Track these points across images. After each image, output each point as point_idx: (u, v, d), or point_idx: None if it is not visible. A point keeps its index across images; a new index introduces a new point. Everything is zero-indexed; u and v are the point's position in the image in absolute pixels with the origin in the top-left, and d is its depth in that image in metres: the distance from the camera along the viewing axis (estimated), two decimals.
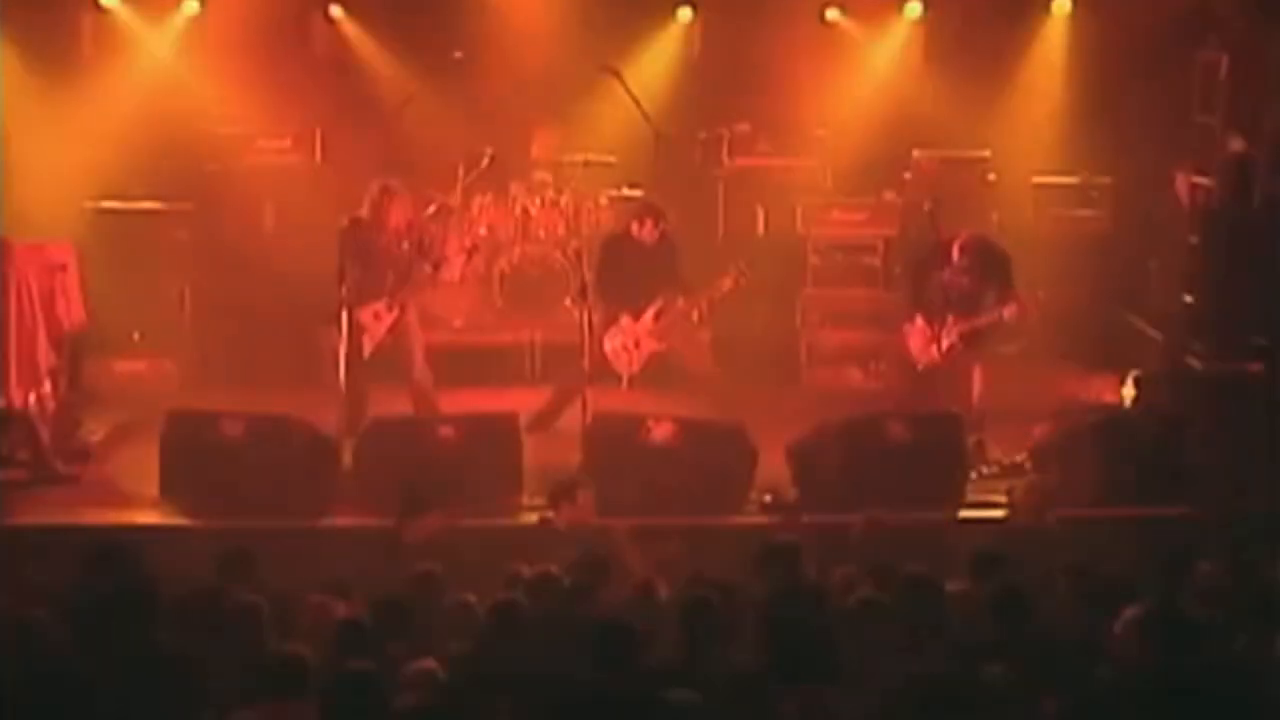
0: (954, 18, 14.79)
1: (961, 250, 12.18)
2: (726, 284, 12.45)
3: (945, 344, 12.10)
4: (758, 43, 14.84)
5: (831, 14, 14.94)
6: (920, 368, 12.22)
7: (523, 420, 11.45)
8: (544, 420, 12.36)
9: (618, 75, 13.66)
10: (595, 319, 12.11)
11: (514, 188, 14.58)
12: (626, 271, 12.43)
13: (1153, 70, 14.14)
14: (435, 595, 8.29)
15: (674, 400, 12.34)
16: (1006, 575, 8.28)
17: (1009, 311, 12.03)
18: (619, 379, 12.36)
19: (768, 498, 10.95)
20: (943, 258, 12.30)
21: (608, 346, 12.35)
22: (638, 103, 13.71)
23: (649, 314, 12.38)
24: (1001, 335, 12.53)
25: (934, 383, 12.17)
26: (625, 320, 12.39)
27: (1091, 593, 8.14)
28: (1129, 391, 12.62)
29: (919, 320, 12.20)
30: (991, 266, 12.22)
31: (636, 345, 12.39)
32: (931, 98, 14.68)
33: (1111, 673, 6.96)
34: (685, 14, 15.07)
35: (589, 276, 12.26)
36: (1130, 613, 7.35)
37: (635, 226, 12.53)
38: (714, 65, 14.99)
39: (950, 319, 12.09)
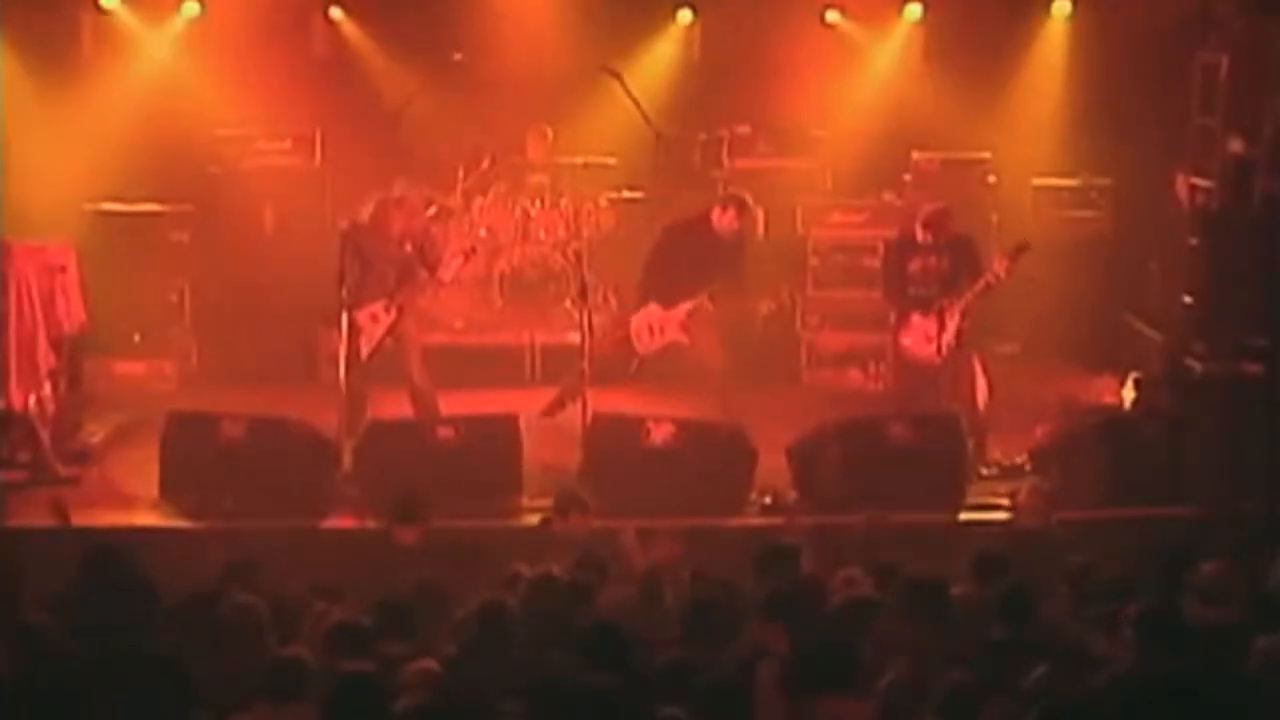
0: (954, 19, 14.77)
1: (925, 227, 12.08)
2: (765, 307, 12.48)
3: (950, 334, 11.93)
4: (758, 44, 14.84)
5: (831, 16, 14.92)
6: (921, 368, 12.15)
7: (535, 411, 11.43)
8: (554, 409, 12.37)
9: (618, 77, 13.66)
10: (622, 303, 12.14)
11: (514, 189, 14.57)
12: (687, 258, 12.35)
13: (1153, 71, 14.13)
14: (435, 597, 8.28)
15: (674, 400, 12.35)
16: (1009, 577, 8.28)
17: (999, 267, 11.90)
18: (628, 363, 12.38)
19: (768, 499, 10.96)
20: (910, 246, 12.21)
21: (634, 325, 12.36)
22: (638, 104, 13.71)
23: (684, 306, 12.34)
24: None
25: (934, 384, 12.13)
26: (654, 305, 12.37)
27: (1093, 594, 8.14)
28: (1129, 393, 12.62)
29: (914, 318, 12.07)
30: (957, 240, 12.15)
31: (661, 330, 12.38)
32: (931, 99, 14.67)
33: (1109, 672, 6.95)
34: (685, 16, 15.06)
35: (589, 279, 12.26)
36: (1124, 613, 7.36)
37: (718, 213, 12.40)
38: (714, 67, 15.00)
39: (944, 305, 11.97)
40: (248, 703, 6.93)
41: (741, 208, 12.47)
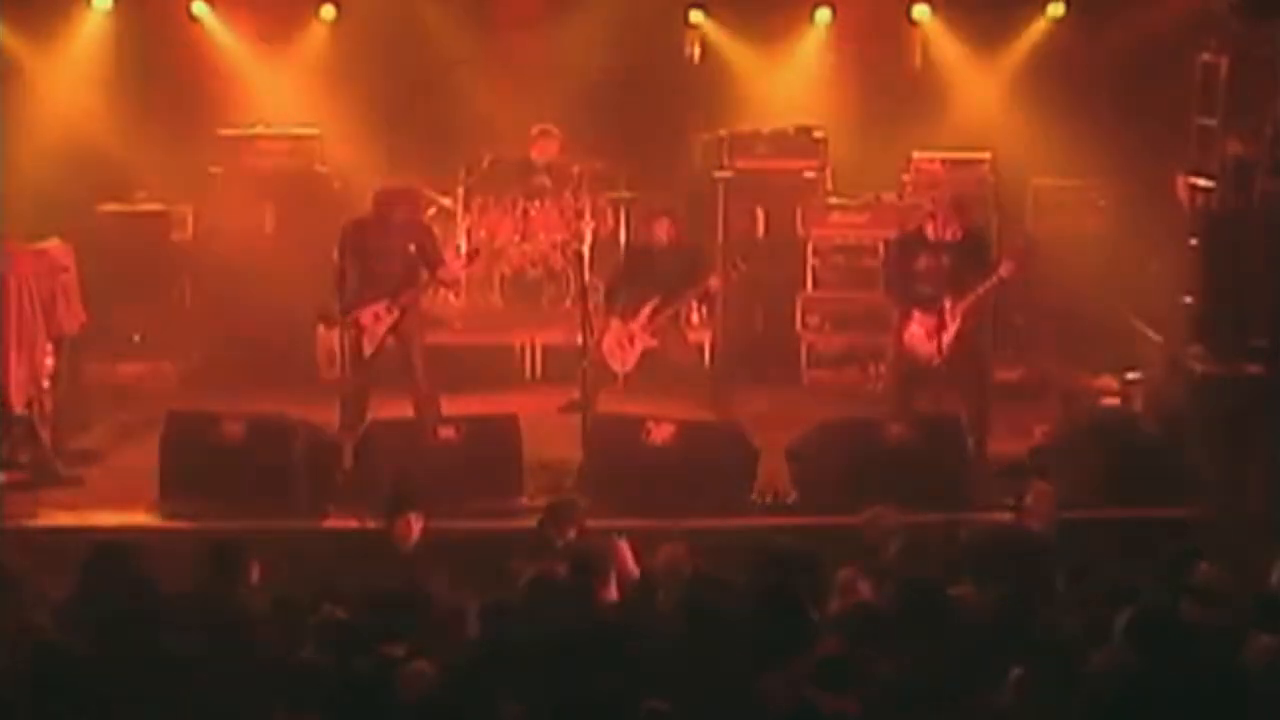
0: (954, 20, 14.79)
1: (938, 220, 11.92)
2: (716, 282, 12.43)
3: (951, 333, 11.88)
4: (758, 44, 14.85)
5: (831, 16, 14.94)
6: (920, 366, 12.08)
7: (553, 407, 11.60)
8: (571, 409, 12.34)
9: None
10: (598, 321, 12.16)
11: (514, 190, 14.58)
12: (638, 273, 12.55)
13: (1153, 71, 14.14)
14: (434, 597, 8.29)
15: (675, 401, 12.35)
16: (1008, 578, 8.28)
17: (1005, 269, 11.83)
18: (615, 377, 12.40)
19: (768, 499, 10.96)
20: (917, 243, 12.03)
21: (605, 347, 12.40)
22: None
23: (644, 312, 12.39)
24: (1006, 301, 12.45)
25: (934, 383, 12.10)
26: (616, 322, 12.41)
27: (1092, 594, 8.15)
28: (1129, 393, 12.61)
29: (915, 315, 11.95)
30: (967, 237, 11.99)
31: (630, 342, 12.41)
32: (931, 100, 14.67)
33: (1107, 673, 6.96)
34: (695, 16, 15.06)
35: (589, 280, 12.27)
36: (1123, 614, 7.37)
37: (658, 230, 12.64)
38: (714, 67, 15.01)
39: (947, 304, 11.90)
40: (246, 703, 6.93)
41: (672, 217, 12.67)
